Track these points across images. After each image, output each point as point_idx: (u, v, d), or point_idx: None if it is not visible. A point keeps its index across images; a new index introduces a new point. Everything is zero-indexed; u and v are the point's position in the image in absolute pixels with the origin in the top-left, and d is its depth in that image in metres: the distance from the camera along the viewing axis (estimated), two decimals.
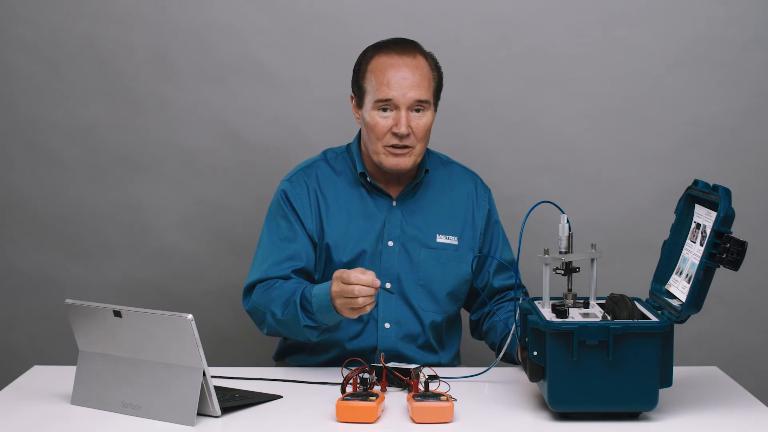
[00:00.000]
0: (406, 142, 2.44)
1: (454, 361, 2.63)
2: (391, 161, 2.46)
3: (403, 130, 2.42)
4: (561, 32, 3.18)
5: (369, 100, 2.45)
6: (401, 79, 2.43)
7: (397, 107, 2.43)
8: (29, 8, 3.18)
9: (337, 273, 2.23)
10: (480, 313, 2.62)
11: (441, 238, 2.55)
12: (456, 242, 2.56)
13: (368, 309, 2.22)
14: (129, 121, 3.22)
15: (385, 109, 2.43)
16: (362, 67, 2.49)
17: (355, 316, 2.25)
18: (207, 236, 3.26)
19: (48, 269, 3.28)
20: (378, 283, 2.20)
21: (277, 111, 3.21)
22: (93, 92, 3.21)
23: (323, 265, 2.50)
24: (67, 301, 2.11)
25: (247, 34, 3.18)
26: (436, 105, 2.51)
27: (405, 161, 2.46)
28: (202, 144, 3.23)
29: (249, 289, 2.49)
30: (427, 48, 2.52)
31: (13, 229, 3.28)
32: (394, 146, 2.44)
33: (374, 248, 2.51)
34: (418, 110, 2.44)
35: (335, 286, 2.23)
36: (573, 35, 3.18)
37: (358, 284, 2.18)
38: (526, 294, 2.58)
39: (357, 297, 2.19)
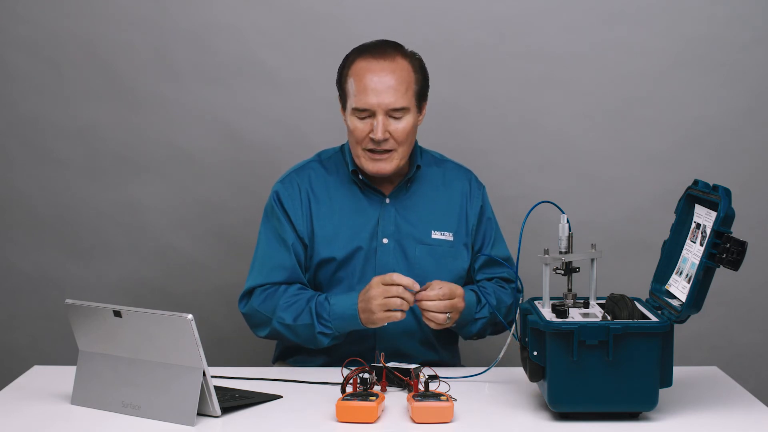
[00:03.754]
0: (385, 147, 2.44)
1: (454, 358, 2.63)
2: (371, 166, 2.46)
3: (379, 136, 2.42)
4: (561, 32, 3.18)
5: (349, 105, 2.46)
6: (378, 83, 2.41)
7: (374, 114, 2.43)
8: (29, 8, 3.18)
9: (375, 279, 2.31)
10: None
11: (436, 234, 2.55)
12: (451, 238, 2.56)
13: (399, 315, 2.30)
14: (129, 121, 3.22)
15: (363, 115, 2.44)
16: (344, 71, 2.49)
17: (384, 322, 2.33)
18: (207, 236, 3.26)
19: (48, 269, 3.28)
20: (417, 286, 2.30)
21: (277, 111, 3.21)
22: (93, 92, 3.21)
23: (315, 263, 2.50)
24: (67, 301, 2.11)
25: (247, 34, 3.18)
26: (420, 106, 2.49)
27: (385, 166, 2.46)
28: (202, 144, 3.23)
29: (248, 293, 2.51)
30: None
31: (13, 229, 3.28)
32: (372, 151, 2.44)
33: (369, 245, 2.51)
34: (396, 116, 2.44)
35: (376, 290, 2.29)
36: (573, 35, 3.18)
37: (401, 284, 2.28)
38: (519, 291, 2.58)
39: (395, 297, 2.28)
